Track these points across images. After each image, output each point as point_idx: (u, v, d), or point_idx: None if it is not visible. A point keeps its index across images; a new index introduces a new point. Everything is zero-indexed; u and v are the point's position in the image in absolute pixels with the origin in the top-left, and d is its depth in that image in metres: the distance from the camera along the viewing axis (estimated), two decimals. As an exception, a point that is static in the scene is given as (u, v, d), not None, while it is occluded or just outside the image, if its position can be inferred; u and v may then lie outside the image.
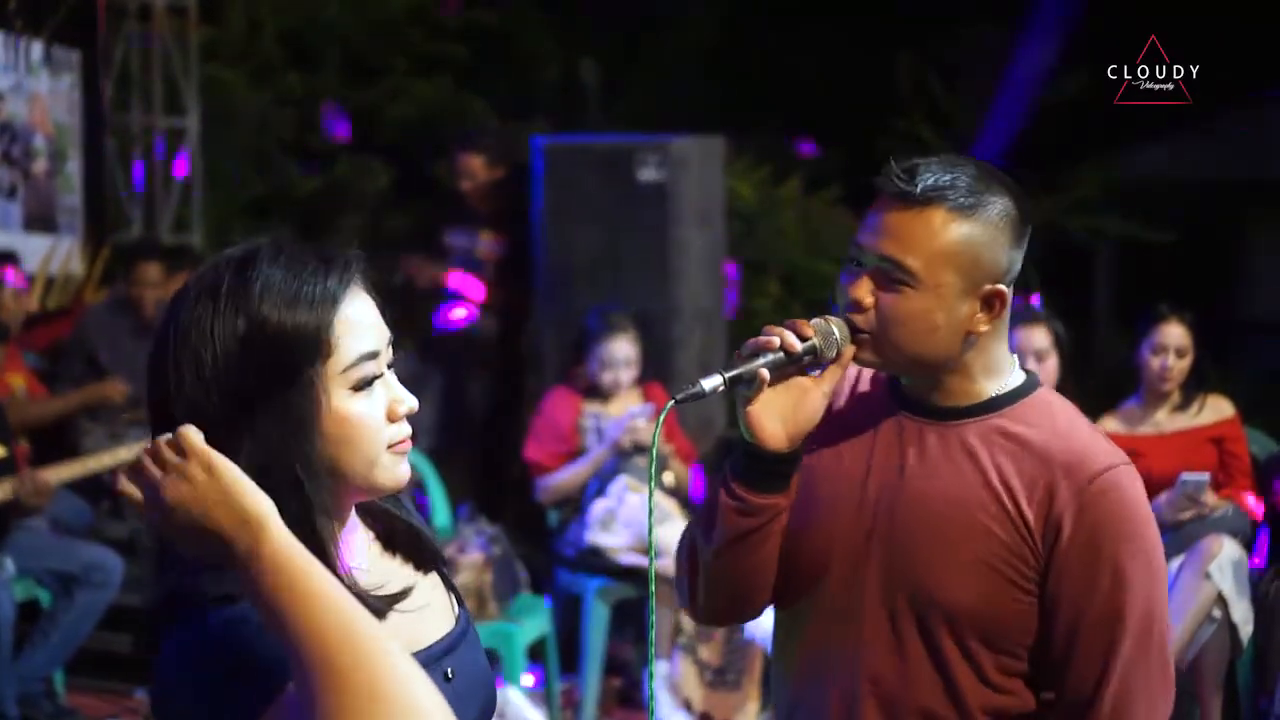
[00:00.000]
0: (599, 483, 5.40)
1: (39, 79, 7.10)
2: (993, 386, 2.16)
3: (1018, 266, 2.14)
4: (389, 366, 1.66)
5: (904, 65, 9.85)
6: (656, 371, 5.80)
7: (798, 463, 2.15)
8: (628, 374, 5.55)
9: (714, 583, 2.23)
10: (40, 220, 7.15)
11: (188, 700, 1.55)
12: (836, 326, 2.10)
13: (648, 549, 5.38)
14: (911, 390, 2.20)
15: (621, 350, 5.53)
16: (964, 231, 2.06)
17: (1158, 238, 9.93)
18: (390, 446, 1.64)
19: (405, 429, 1.65)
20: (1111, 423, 5.10)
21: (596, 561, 5.31)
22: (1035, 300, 5.12)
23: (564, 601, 5.50)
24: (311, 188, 9.15)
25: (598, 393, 5.55)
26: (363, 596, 1.59)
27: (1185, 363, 5.00)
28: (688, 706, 5.18)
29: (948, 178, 2.06)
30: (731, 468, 2.16)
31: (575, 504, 5.45)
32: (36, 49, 7.05)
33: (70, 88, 7.25)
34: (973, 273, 2.07)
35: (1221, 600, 4.65)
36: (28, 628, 5.12)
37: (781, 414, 2.10)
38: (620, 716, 5.58)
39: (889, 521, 2.15)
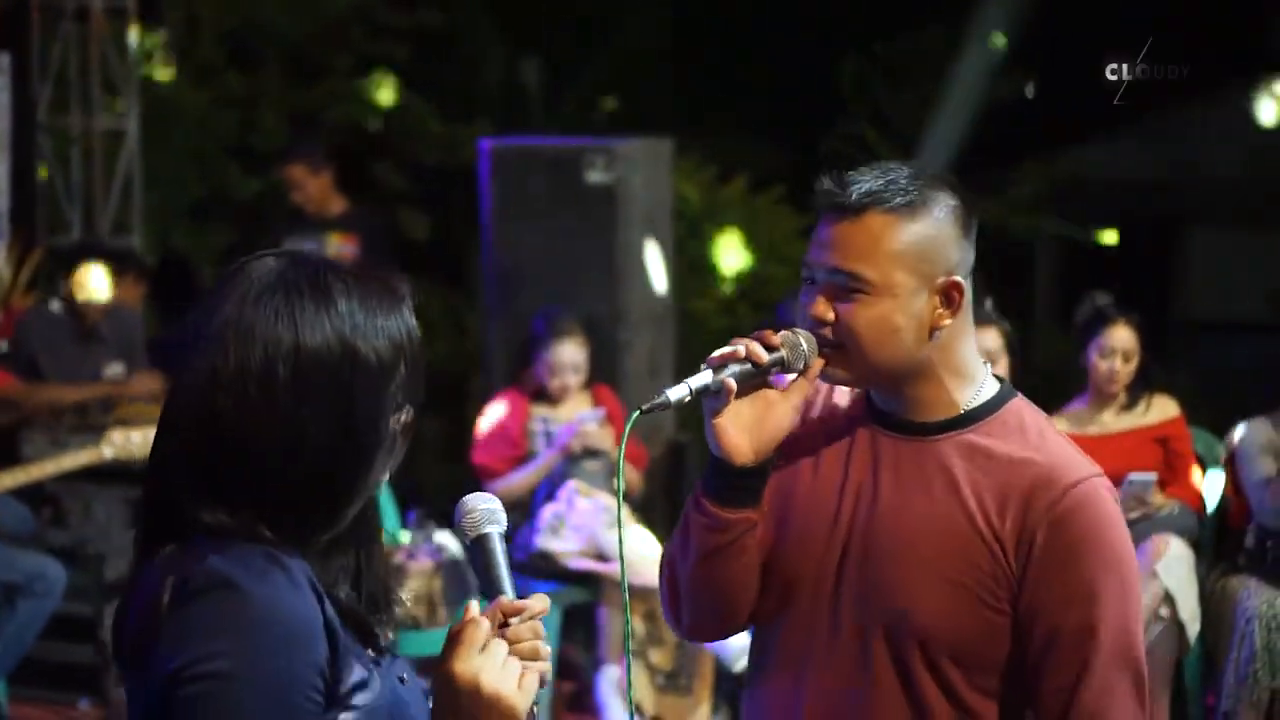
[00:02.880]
0: (548, 487, 5.38)
1: (-39, 82, 7.00)
2: (965, 397, 2.15)
3: (970, 258, 2.14)
4: None
5: (847, 66, 9.87)
6: (604, 374, 5.79)
7: (765, 477, 2.14)
8: (575, 378, 5.53)
9: (693, 598, 2.23)
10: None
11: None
12: (804, 339, 2.10)
13: (598, 554, 5.36)
14: (885, 405, 2.18)
15: (569, 354, 5.51)
16: (906, 230, 2.07)
17: (1097, 237, 10.01)
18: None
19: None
20: (1058, 423, 5.11)
21: (546, 566, 5.29)
22: (986, 301, 5.14)
23: (514, 606, 5.46)
24: (253, 189, 9.08)
25: (546, 396, 5.53)
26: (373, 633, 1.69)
27: (1132, 366, 5.03)
28: (638, 710, 5.17)
29: (881, 182, 2.07)
30: (701, 483, 2.15)
31: (524, 509, 5.42)
32: (-42, 52, 6.95)
33: (-2, 90, 7.14)
34: (924, 268, 2.08)
35: (1169, 599, 4.69)
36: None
37: (747, 427, 2.09)
38: None
39: (863, 541, 2.13)
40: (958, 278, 2.11)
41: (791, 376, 2.13)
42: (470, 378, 7.79)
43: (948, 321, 2.11)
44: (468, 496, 1.82)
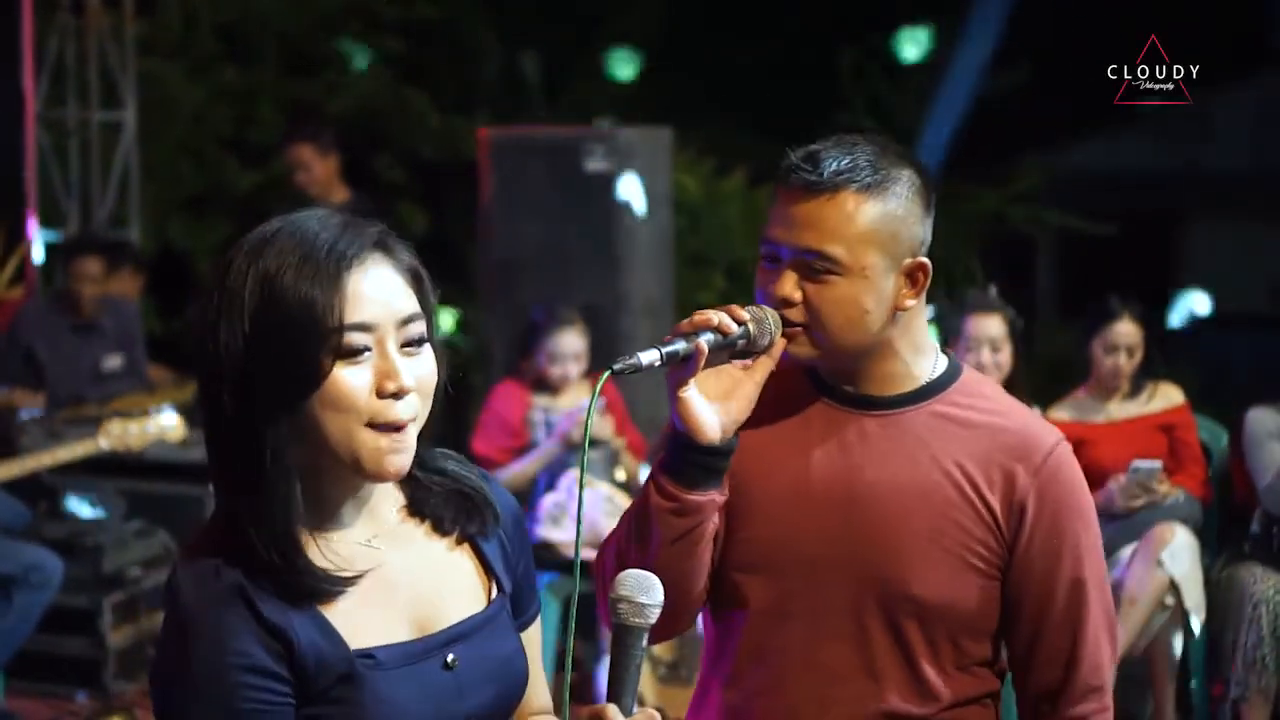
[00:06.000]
0: (549, 477, 5.34)
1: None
2: (923, 370, 2.17)
3: (929, 236, 2.13)
4: (407, 345, 1.66)
5: (846, 59, 9.84)
6: (604, 364, 5.74)
7: (729, 457, 2.07)
8: (576, 367, 5.50)
9: None
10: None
11: None
12: (770, 315, 2.07)
13: (599, 544, 5.32)
14: (839, 380, 2.17)
15: (569, 343, 5.47)
16: (877, 210, 2.05)
17: (1098, 229, 9.98)
18: (371, 423, 1.64)
19: (391, 407, 1.65)
20: (1062, 411, 5.11)
21: (547, 556, 5.25)
22: (990, 289, 5.12)
23: (514, 597, 5.43)
24: (251, 183, 9.04)
25: (546, 386, 5.50)
26: (313, 575, 1.66)
27: (1136, 360, 5.03)
28: (640, 702, 5.13)
29: (848, 159, 2.05)
30: (662, 466, 2.07)
31: (524, 499, 5.39)
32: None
33: (-19, 83, 7.09)
34: (893, 249, 2.07)
35: (1174, 588, 4.66)
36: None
37: (713, 403, 2.04)
38: (572, 711, 5.51)
39: (849, 517, 2.11)
40: (923, 258, 2.11)
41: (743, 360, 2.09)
42: (470, 370, 7.74)
43: (911, 302, 2.11)
44: (628, 574, 1.73)
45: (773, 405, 2.13)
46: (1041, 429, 2.18)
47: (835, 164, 2.04)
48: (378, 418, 1.64)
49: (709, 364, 2.03)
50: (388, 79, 9.51)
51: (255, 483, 1.63)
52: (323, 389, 1.62)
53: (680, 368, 2.00)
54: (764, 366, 2.07)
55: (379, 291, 1.65)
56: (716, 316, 2.01)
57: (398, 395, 1.64)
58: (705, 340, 2.00)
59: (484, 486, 1.83)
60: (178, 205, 9.08)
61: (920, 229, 2.10)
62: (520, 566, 1.88)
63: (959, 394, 2.17)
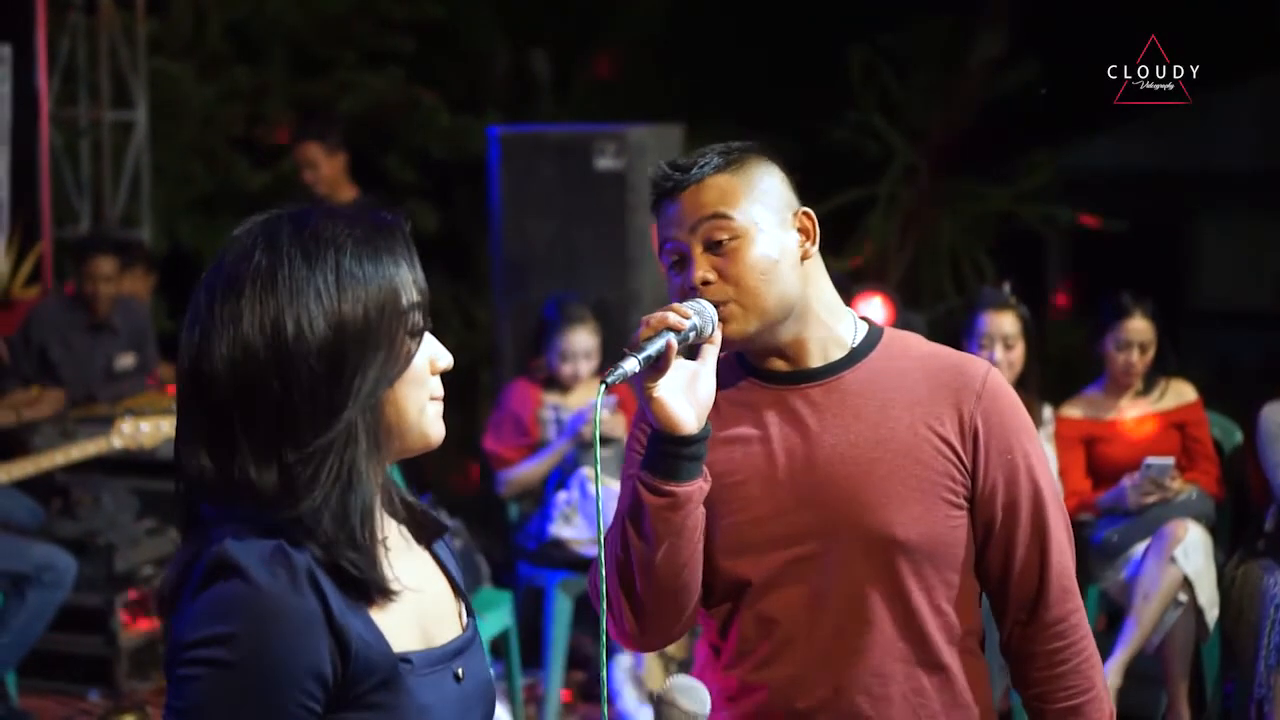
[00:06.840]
0: (560, 475, 5.35)
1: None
2: (845, 333, 2.30)
3: (797, 198, 2.30)
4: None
5: (856, 56, 9.84)
6: (615, 361, 5.73)
7: (706, 443, 2.17)
8: (587, 365, 5.50)
9: (656, 594, 2.21)
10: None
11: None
12: (706, 305, 2.19)
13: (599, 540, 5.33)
14: (771, 360, 2.29)
15: (581, 341, 5.47)
16: (743, 177, 2.22)
17: (1108, 226, 9.97)
18: (432, 397, 1.69)
19: (439, 384, 1.70)
20: (1074, 409, 5.11)
21: (558, 554, 5.26)
22: (1004, 286, 5.10)
23: (526, 595, 5.45)
24: (261, 182, 9.04)
25: (557, 384, 5.50)
26: (380, 581, 1.61)
27: (1149, 356, 5.03)
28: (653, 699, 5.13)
29: (699, 156, 2.24)
30: (648, 467, 2.15)
31: (536, 496, 5.39)
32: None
33: (-1, 82, 7.09)
34: (774, 203, 2.24)
35: (1187, 584, 4.65)
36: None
37: (683, 395, 2.13)
38: (584, 710, 5.53)
39: (818, 482, 2.22)
40: (805, 208, 2.28)
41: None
42: (481, 370, 7.75)
43: (811, 249, 2.27)
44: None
45: (717, 400, 2.21)
46: (971, 359, 2.32)
47: (692, 159, 2.24)
48: (434, 391, 1.70)
49: (668, 361, 2.12)
50: (397, 78, 9.50)
51: (350, 477, 1.60)
52: (409, 366, 1.66)
53: (649, 371, 2.10)
54: (711, 353, 2.17)
55: (419, 272, 1.71)
56: (673, 316, 2.12)
57: (442, 373, 1.72)
58: (671, 337, 2.11)
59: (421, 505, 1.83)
60: (188, 205, 9.09)
61: (787, 188, 2.28)
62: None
63: (887, 348, 2.30)
